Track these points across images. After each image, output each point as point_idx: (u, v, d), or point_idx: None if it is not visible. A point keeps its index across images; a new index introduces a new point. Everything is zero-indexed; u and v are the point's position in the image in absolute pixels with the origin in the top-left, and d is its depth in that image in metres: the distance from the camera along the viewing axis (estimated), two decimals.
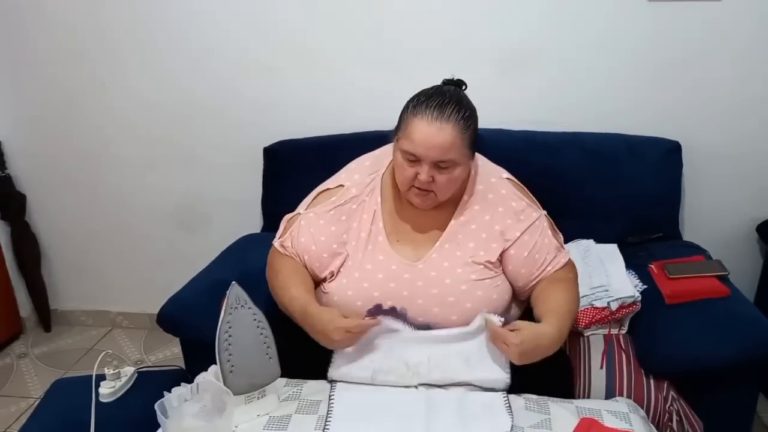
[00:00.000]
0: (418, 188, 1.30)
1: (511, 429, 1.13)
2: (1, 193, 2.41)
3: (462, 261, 1.34)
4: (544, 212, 1.44)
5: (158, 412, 1.06)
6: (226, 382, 1.15)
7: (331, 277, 1.38)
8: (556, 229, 1.47)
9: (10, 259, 2.51)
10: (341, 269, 1.36)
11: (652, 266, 1.68)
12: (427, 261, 1.34)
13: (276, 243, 1.45)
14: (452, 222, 1.37)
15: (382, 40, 2.04)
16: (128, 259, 2.52)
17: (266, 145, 2.10)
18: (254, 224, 2.21)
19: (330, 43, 2.07)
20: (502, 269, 1.38)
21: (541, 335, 1.21)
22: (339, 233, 1.38)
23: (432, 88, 1.32)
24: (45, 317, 2.62)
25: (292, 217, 1.46)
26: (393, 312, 1.30)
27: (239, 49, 2.12)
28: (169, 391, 1.13)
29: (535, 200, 1.46)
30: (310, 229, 1.40)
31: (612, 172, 1.90)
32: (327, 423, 1.16)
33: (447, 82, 1.36)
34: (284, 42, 2.09)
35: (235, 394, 1.16)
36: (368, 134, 1.97)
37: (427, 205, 1.34)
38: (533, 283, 1.38)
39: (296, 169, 2.05)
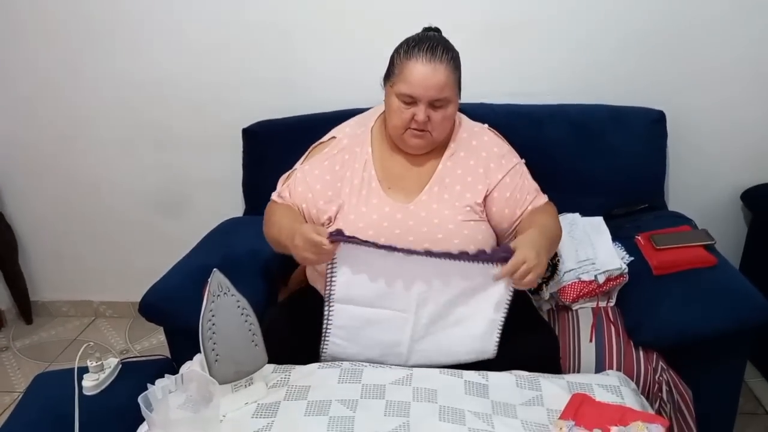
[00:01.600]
0: (415, 129, 1.37)
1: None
2: None
3: (449, 203, 1.41)
4: (523, 160, 1.51)
5: (142, 406, 1.03)
6: (211, 372, 1.13)
7: (329, 222, 1.44)
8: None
9: None
10: (338, 214, 1.43)
11: (639, 237, 1.68)
12: (417, 203, 1.42)
13: (274, 195, 1.51)
14: (440, 167, 1.44)
15: (363, 16, 1.99)
16: (108, 245, 2.47)
17: (245, 126, 2.05)
18: (236, 206, 2.17)
19: (309, 20, 2.01)
20: (486, 213, 1.44)
21: (534, 238, 1.28)
22: (334, 181, 1.44)
23: (417, 35, 1.41)
24: (26, 309, 2.57)
25: (289, 174, 1.52)
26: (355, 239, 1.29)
27: (216, 28, 2.06)
28: (153, 383, 1.10)
29: (513, 149, 1.53)
30: (306, 179, 1.46)
31: (597, 143, 1.89)
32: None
33: (426, 29, 1.45)
34: (262, 20, 2.03)
35: (221, 383, 1.14)
36: (348, 112, 1.89)
37: (422, 147, 1.42)
38: (517, 223, 1.44)
39: (276, 149, 1.99)
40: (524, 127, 1.89)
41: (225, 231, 1.89)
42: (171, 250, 1.80)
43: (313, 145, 1.53)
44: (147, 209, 2.37)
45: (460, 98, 1.43)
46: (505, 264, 1.23)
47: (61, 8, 2.10)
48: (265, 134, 2.03)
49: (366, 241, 1.26)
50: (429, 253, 1.26)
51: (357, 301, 1.31)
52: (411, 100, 1.35)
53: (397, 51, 1.39)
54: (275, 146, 2.01)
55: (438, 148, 1.46)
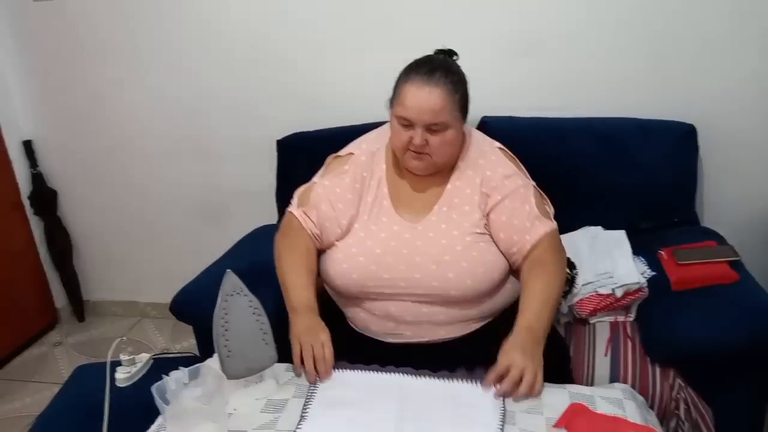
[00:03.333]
0: (413, 152, 1.37)
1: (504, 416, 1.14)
2: (34, 190, 2.54)
3: (458, 223, 1.39)
4: (534, 184, 1.47)
5: (155, 395, 1.11)
6: (223, 367, 1.20)
7: (341, 237, 1.46)
8: (547, 201, 1.49)
9: (44, 253, 2.63)
10: (350, 230, 1.44)
11: (662, 252, 1.66)
12: (426, 223, 1.41)
13: (296, 210, 1.49)
14: (448, 186, 1.44)
15: (393, 27, 2.05)
16: (153, 250, 2.61)
17: (279, 138, 2.14)
18: (270, 215, 2.25)
19: (340, 33, 2.10)
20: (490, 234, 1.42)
21: (520, 339, 1.22)
22: (355, 201, 1.45)
23: (422, 57, 1.40)
24: (78, 308, 2.74)
25: (307, 186, 1.53)
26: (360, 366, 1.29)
27: (252, 42, 2.17)
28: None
29: (525, 171, 1.49)
30: (328, 197, 1.46)
31: (624, 157, 1.87)
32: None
33: (438, 52, 1.44)
34: (296, 33, 2.13)
35: (233, 378, 1.20)
36: (377, 125, 1.98)
37: (423, 169, 1.41)
38: (514, 250, 1.38)
39: (309, 160, 2.06)
40: (550, 141, 1.90)
41: (254, 238, 1.98)
42: (210, 257, 1.89)
43: (330, 158, 1.55)
44: (188, 218, 2.50)
45: (465, 121, 1.41)
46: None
47: (112, 30, 2.28)
48: (298, 146, 2.12)
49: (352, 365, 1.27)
50: (415, 373, 1.25)
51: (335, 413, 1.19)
52: (408, 123, 1.34)
53: (399, 75, 1.39)
54: (307, 157, 2.06)
55: (447, 167, 1.45)
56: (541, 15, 1.95)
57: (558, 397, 1.20)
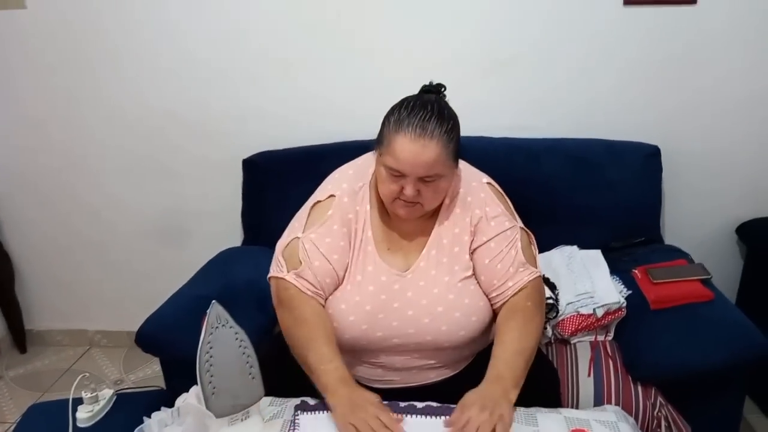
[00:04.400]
0: (404, 200, 1.28)
1: None
2: None
3: (448, 268, 1.33)
4: (521, 225, 1.39)
5: None
6: (208, 405, 1.12)
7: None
8: (534, 245, 1.41)
9: None
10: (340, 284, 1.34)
11: (636, 271, 1.69)
12: (415, 270, 1.34)
13: (289, 276, 1.31)
14: (436, 227, 1.36)
15: (362, 47, 2.03)
16: (105, 275, 2.46)
17: (245, 157, 2.07)
18: (234, 237, 2.17)
19: (309, 52, 2.05)
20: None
21: (478, 397, 1.16)
22: (347, 248, 1.34)
23: (411, 99, 1.28)
24: (20, 338, 2.55)
25: (289, 243, 1.35)
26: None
27: (216, 60, 2.09)
28: (149, 415, 1.09)
29: (514, 211, 1.43)
30: (320, 251, 1.32)
31: (594, 177, 1.91)
32: None
33: (426, 90, 1.33)
34: (262, 52, 2.07)
35: (217, 417, 1.13)
36: (349, 144, 1.95)
37: (413, 216, 1.32)
38: (494, 295, 1.33)
39: (276, 181, 2.02)
40: (522, 161, 1.92)
41: (223, 261, 1.89)
42: (168, 281, 1.79)
43: (309, 204, 1.39)
44: (145, 240, 2.38)
45: (457, 166, 1.33)
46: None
47: (61, 45, 2.14)
48: (265, 165, 2.05)
49: None
50: (397, 410, 1.18)
51: None
52: (399, 174, 1.24)
53: (387, 118, 1.27)
54: (275, 177, 2.03)
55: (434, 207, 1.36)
56: (509, 36, 1.97)
57: (554, 423, 1.18)
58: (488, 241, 1.33)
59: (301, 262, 1.31)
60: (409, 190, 1.24)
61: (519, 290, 1.31)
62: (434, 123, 1.22)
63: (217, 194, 2.23)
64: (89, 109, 2.22)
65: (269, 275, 1.37)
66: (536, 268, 1.36)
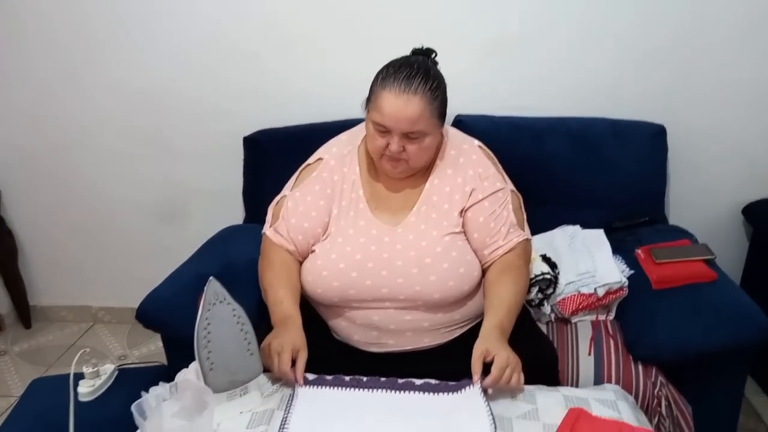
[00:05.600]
0: (390, 157, 1.34)
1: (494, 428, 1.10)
2: None
3: (437, 223, 1.38)
4: (512, 188, 1.46)
5: (135, 414, 1.02)
6: (206, 380, 1.12)
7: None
8: (523, 209, 1.48)
9: None
10: (327, 237, 1.41)
11: (639, 251, 1.67)
12: (405, 224, 1.39)
13: (268, 231, 1.46)
14: (427, 185, 1.42)
15: (364, 25, 2.00)
16: (108, 252, 2.47)
17: (246, 135, 2.05)
18: (235, 215, 2.17)
19: (310, 29, 2.02)
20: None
21: (493, 338, 1.23)
22: (328, 207, 1.42)
23: (400, 58, 1.35)
24: (24, 314, 2.57)
25: (279, 201, 1.48)
26: (340, 381, 1.24)
27: (217, 37, 2.06)
28: (148, 391, 1.09)
29: (504, 173, 1.48)
30: (299, 208, 1.43)
31: (597, 156, 1.88)
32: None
33: (416, 52, 1.39)
34: (263, 29, 2.04)
35: (216, 392, 1.13)
36: (350, 122, 1.90)
37: (400, 173, 1.38)
38: (485, 252, 1.39)
39: (277, 158, 1.99)
40: (525, 140, 1.90)
41: (223, 239, 1.89)
42: (170, 258, 1.79)
43: (301, 168, 1.50)
44: (146, 217, 2.37)
45: (443, 125, 1.39)
46: (485, 376, 1.16)
47: (60, 18, 2.11)
48: (266, 142, 2.04)
49: (334, 378, 1.23)
50: (395, 387, 1.20)
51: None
52: (384, 130, 1.30)
53: (376, 76, 1.33)
54: (276, 154, 2.01)
55: (425, 168, 1.42)
56: (515, 15, 1.93)
57: (552, 401, 1.19)
58: (483, 199, 1.39)
59: (281, 218, 1.44)
60: (394, 146, 1.30)
61: (510, 249, 1.38)
62: (419, 80, 1.28)
63: (219, 172, 2.22)
64: (86, 89, 2.20)
65: None
66: (525, 231, 1.44)
